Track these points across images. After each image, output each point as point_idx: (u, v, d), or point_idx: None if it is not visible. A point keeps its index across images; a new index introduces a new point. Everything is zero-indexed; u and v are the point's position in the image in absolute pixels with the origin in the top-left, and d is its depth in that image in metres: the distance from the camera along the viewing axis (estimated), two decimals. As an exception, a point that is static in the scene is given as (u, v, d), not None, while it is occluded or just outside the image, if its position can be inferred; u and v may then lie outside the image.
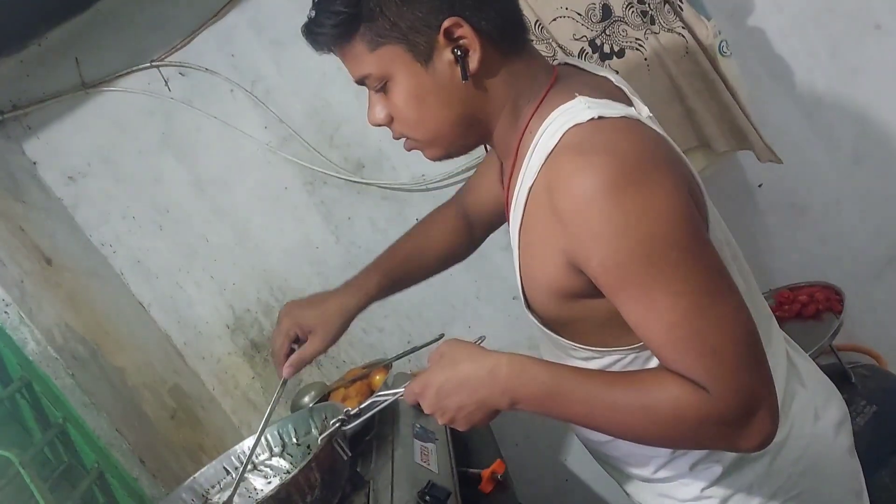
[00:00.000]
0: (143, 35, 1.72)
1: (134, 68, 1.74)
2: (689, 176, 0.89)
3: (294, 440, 1.36)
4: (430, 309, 1.87)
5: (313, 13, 0.94)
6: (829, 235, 1.88)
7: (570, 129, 0.86)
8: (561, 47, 1.61)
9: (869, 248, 1.89)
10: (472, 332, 1.89)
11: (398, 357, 1.64)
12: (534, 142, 0.91)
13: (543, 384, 0.89)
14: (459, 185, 1.79)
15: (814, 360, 1.62)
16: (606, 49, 1.61)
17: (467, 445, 1.59)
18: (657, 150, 0.86)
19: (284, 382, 1.25)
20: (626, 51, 1.60)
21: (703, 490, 1.00)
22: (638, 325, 0.86)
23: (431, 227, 1.36)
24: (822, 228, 1.88)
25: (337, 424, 1.19)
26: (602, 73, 1.02)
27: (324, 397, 1.62)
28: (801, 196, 1.86)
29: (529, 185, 0.91)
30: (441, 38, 0.90)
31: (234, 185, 1.82)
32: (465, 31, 0.89)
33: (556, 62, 1.07)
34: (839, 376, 1.66)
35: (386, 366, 1.61)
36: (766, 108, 1.74)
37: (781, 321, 1.72)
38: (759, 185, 1.85)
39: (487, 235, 1.37)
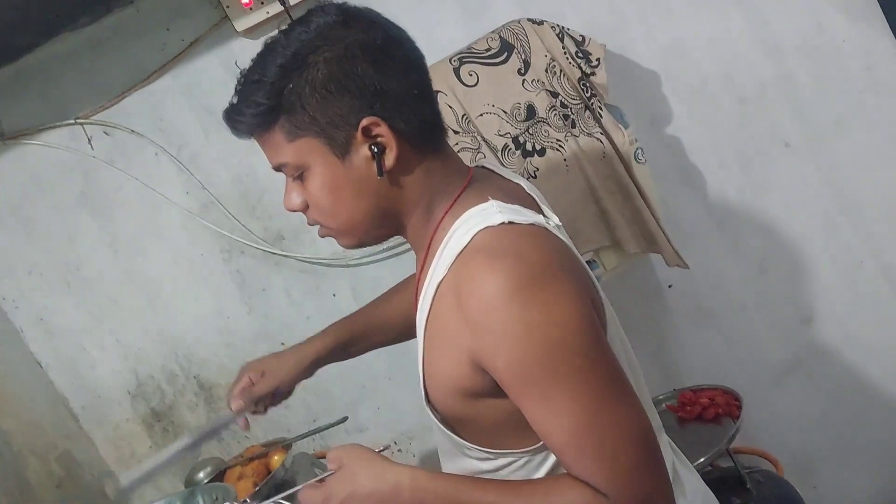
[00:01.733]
0: (70, 90, 1.71)
1: (57, 123, 1.72)
2: (589, 283, 0.92)
3: (180, 520, 1.32)
4: (339, 387, 1.85)
5: (235, 100, 0.95)
6: (733, 340, 1.94)
7: (481, 230, 0.89)
8: (485, 141, 1.65)
9: (770, 354, 1.95)
10: (381, 415, 1.88)
11: (299, 437, 1.62)
12: (445, 239, 0.94)
13: (447, 500, 0.90)
14: (380, 264, 1.82)
15: (712, 462, 1.68)
16: (528, 147, 1.66)
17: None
18: (561, 259, 0.89)
19: (229, 415, 1.24)
20: (546, 150, 1.66)
21: None
22: (540, 428, 0.88)
23: (398, 294, 1.35)
24: (727, 332, 1.93)
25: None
26: (515, 180, 1.06)
27: (219, 474, 1.58)
28: (708, 300, 1.92)
29: (438, 281, 0.92)
30: (359, 134, 0.91)
31: (150, 248, 1.79)
32: (382, 130, 0.91)
33: (473, 164, 1.10)
34: (735, 480, 1.70)
35: (285, 446, 1.59)
36: (679, 215, 1.81)
37: (683, 422, 1.77)
38: (669, 286, 1.91)
39: None
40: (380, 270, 1.82)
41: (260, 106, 0.92)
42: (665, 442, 1.11)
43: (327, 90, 0.90)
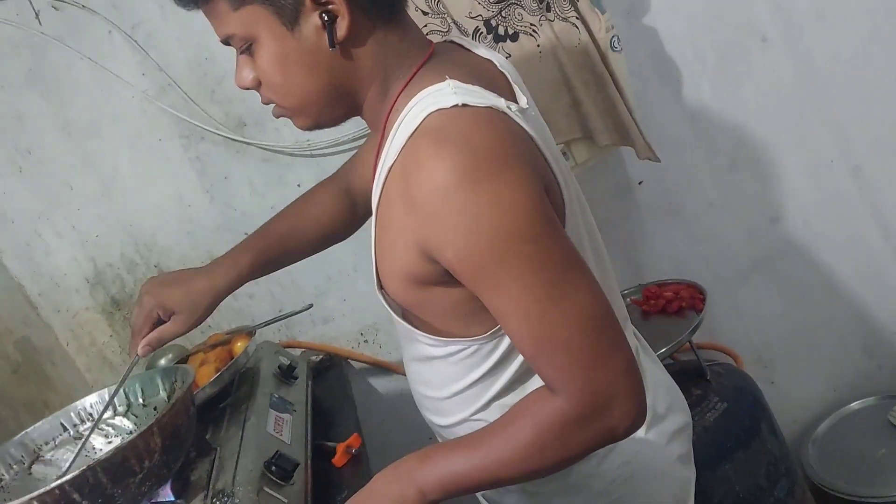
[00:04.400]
0: (15, -40, 1.60)
1: (2, -5, 1.62)
2: (544, 170, 0.89)
3: (140, 400, 1.30)
4: (305, 278, 1.83)
5: None
6: (701, 237, 1.94)
7: (432, 112, 0.85)
8: (456, 23, 1.58)
9: (737, 252, 1.96)
10: (347, 306, 1.86)
11: (263, 325, 1.60)
12: (398, 120, 0.89)
13: (444, 477, 0.90)
14: (346, 154, 1.77)
15: (673, 355, 1.70)
16: (501, 31, 1.60)
17: (328, 419, 1.57)
18: (513, 144, 0.85)
19: (137, 360, 1.18)
20: (520, 35, 1.60)
21: (531, 484, 1.02)
22: (498, 317, 0.87)
23: (310, 205, 1.30)
24: (696, 230, 1.93)
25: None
26: (486, 55, 1.00)
27: (182, 360, 1.56)
28: (677, 197, 1.91)
29: (389, 165, 0.89)
30: (308, 1, 0.86)
31: (105, 131, 1.71)
32: None
33: (444, 39, 1.05)
34: (696, 372, 1.73)
35: (249, 333, 1.57)
36: (651, 108, 1.77)
37: (647, 315, 1.79)
38: (640, 183, 1.89)
39: (371, 215, 1.34)
40: (344, 160, 1.76)
41: None
42: (630, 331, 1.11)
43: None
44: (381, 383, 1.93)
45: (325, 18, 0.86)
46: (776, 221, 1.94)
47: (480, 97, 0.86)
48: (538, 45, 1.60)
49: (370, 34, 0.90)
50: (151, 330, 1.17)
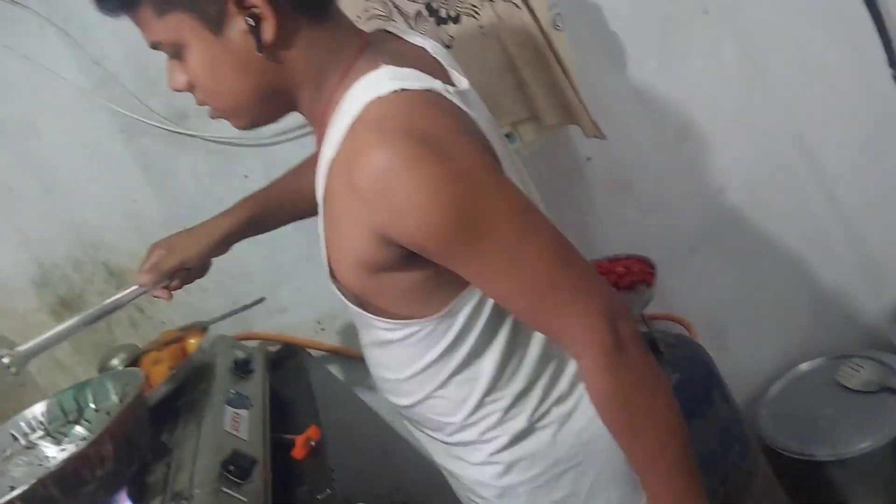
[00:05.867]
0: (-65, -47, 1.54)
1: (-77, -9, 1.56)
2: (489, 149, 0.90)
3: (92, 405, 1.29)
4: (257, 269, 1.81)
5: None
6: (650, 210, 1.96)
7: (370, 101, 0.85)
8: (397, 7, 1.57)
9: (686, 223, 1.99)
10: (302, 295, 1.85)
11: (216, 320, 1.59)
12: (336, 112, 0.89)
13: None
14: (294, 142, 1.75)
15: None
16: (443, 14, 1.58)
17: (287, 412, 1.56)
18: (453, 123, 0.86)
19: (142, 292, 1.24)
20: (462, 16, 1.59)
21: (490, 455, 1.05)
22: (477, 282, 0.91)
23: (310, 165, 1.31)
24: (645, 203, 1.96)
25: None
26: (418, 42, 1.00)
27: (135, 360, 1.54)
28: (626, 172, 1.93)
29: (331, 157, 0.89)
30: (231, 5, 0.85)
31: (42, 129, 1.67)
32: (257, 0, 0.85)
33: (376, 28, 1.04)
34: (649, 345, 1.74)
35: (203, 329, 1.56)
36: (596, 85, 1.78)
37: (600, 291, 1.80)
38: (588, 159, 1.90)
39: None
40: (293, 149, 1.74)
41: None
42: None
43: None
44: (340, 371, 1.94)
45: (251, 22, 0.86)
46: (723, 192, 1.97)
47: (417, 80, 0.87)
48: (481, 27, 1.59)
49: (299, 33, 0.90)
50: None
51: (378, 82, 0.86)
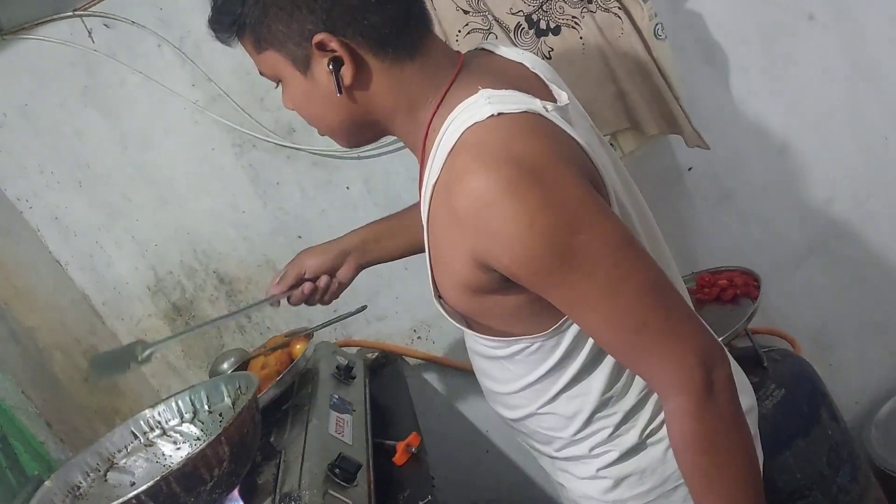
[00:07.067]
0: (66, -20, 1.65)
1: (55, 16, 1.66)
2: (585, 164, 0.90)
3: (206, 407, 1.34)
4: (358, 278, 1.84)
5: (211, 9, 0.97)
6: (753, 222, 1.92)
7: (468, 127, 0.86)
8: (497, 20, 1.59)
9: (791, 235, 1.93)
10: (400, 303, 1.89)
11: (320, 327, 1.64)
12: (437, 139, 0.91)
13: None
14: (392, 156, 1.79)
15: (730, 342, 1.69)
16: (542, 25, 1.59)
17: (386, 418, 1.59)
18: (554, 146, 0.86)
19: (275, 302, 1.33)
20: (562, 28, 1.59)
21: (599, 470, 1.04)
22: (569, 313, 0.91)
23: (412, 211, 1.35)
24: (748, 214, 1.91)
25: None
26: (516, 58, 1.02)
27: (243, 364, 1.60)
28: (728, 181, 1.89)
29: (433, 182, 0.91)
30: (315, 50, 0.91)
31: (159, 143, 1.76)
32: (336, 46, 0.90)
33: (474, 48, 1.06)
34: (752, 360, 1.71)
35: (307, 335, 1.61)
36: (698, 94, 1.75)
37: (701, 303, 1.77)
38: (689, 169, 1.87)
39: None
40: (392, 162, 1.79)
41: (226, 16, 0.94)
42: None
43: (278, 6, 0.89)
44: (435, 379, 1.96)
45: (332, 66, 0.91)
46: (830, 202, 1.90)
47: (515, 102, 0.88)
48: (581, 38, 1.60)
49: (383, 73, 0.94)
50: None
51: (476, 107, 0.88)
